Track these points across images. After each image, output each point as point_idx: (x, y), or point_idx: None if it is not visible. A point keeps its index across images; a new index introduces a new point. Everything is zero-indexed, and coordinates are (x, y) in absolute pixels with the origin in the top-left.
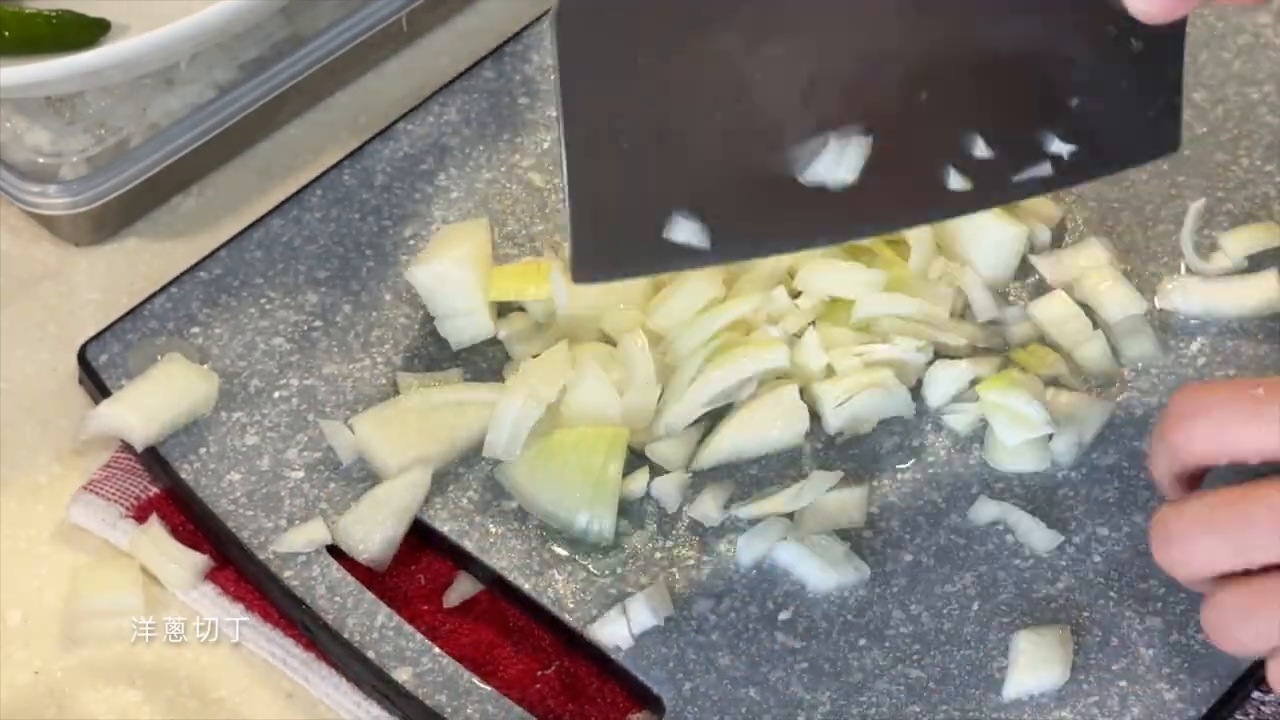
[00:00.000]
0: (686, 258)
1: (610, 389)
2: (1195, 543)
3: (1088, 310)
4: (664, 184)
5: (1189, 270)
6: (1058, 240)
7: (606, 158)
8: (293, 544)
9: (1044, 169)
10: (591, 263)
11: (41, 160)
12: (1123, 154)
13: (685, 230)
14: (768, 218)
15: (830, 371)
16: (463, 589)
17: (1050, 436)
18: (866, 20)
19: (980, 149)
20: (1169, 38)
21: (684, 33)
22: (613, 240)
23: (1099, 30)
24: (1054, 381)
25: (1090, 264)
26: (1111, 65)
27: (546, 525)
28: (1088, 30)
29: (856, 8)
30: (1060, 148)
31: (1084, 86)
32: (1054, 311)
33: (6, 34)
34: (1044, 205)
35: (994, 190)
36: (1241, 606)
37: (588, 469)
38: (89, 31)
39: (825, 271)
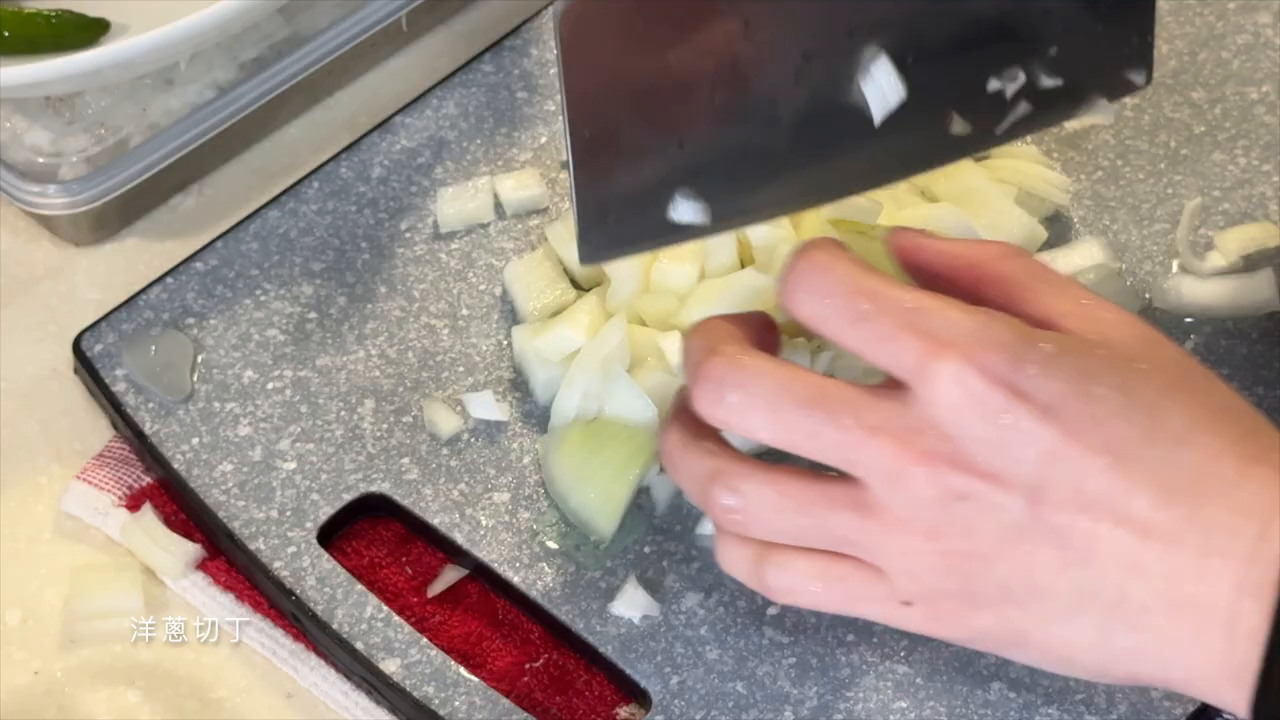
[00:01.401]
0: (688, 233)
1: (645, 398)
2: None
3: None
4: (664, 167)
5: (1184, 269)
6: (1053, 238)
7: (608, 147)
8: None
9: (1024, 108)
10: (597, 246)
11: (41, 160)
12: (1097, 91)
13: (686, 210)
14: (763, 188)
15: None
16: (446, 579)
17: None
18: None
19: (966, 107)
20: None
21: (682, 21)
22: (617, 222)
23: None
24: None
25: (1085, 262)
26: (1085, 10)
27: (537, 518)
28: None
29: None
30: (1044, 83)
31: (1060, 31)
32: None
33: (6, 34)
34: (1042, 200)
35: (983, 136)
36: (762, 494)
37: (616, 474)
38: (89, 31)
39: None
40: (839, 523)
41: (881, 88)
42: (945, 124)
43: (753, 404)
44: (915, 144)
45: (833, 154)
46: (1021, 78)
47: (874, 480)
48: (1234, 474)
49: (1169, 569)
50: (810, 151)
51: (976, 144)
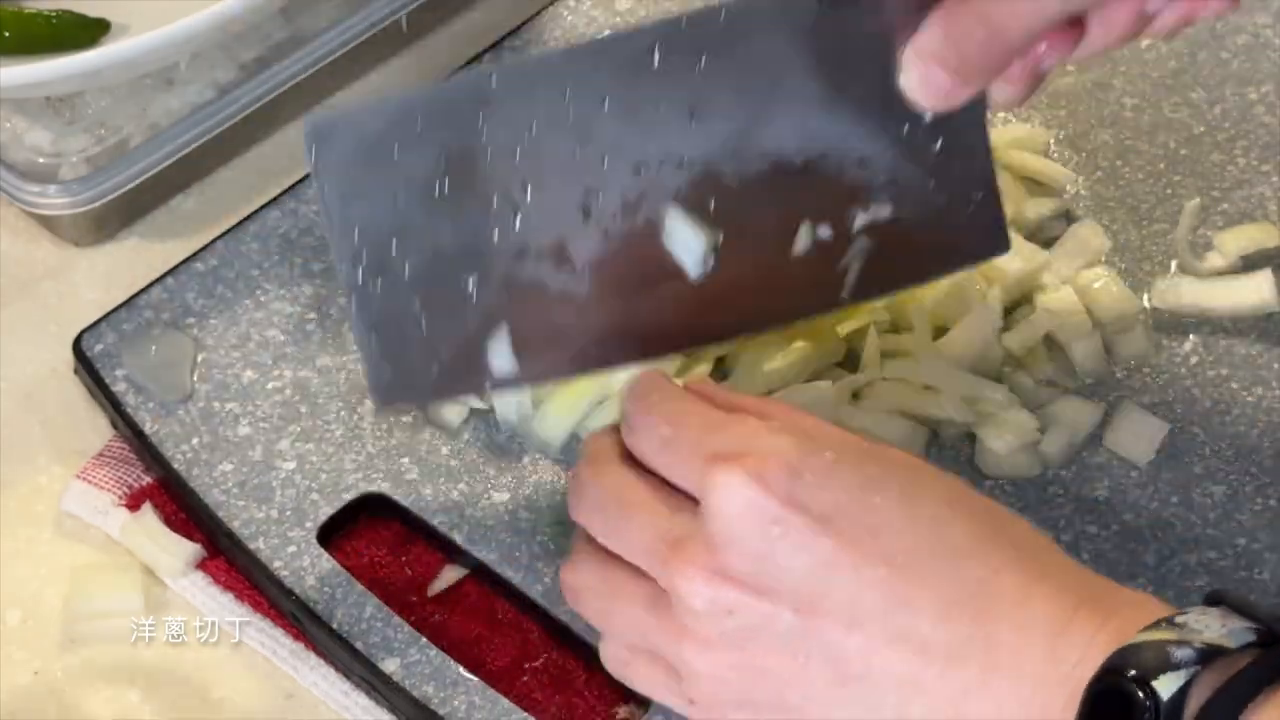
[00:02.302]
0: (497, 383)
1: None
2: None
3: None
4: (456, 311)
5: (1183, 269)
6: (1053, 238)
7: (385, 286)
8: None
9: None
10: (391, 392)
11: (41, 160)
12: (943, 258)
13: (491, 358)
14: (570, 339)
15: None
16: (446, 579)
17: (1040, 438)
18: (639, 131)
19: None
20: (967, 136)
21: (442, 146)
22: (411, 369)
23: (894, 131)
24: (1047, 381)
25: (1084, 261)
26: (911, 165)
27: (537, 518)
28: (883, 131)
29: (629, 123)
30: (864, 243)
31: (885, 187)
32: (1057, 305)
33: (6, 34)
34: (1047, 195)
35: (820, 297)
36: (591, 578)
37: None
38: (89, 31)
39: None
40: (637, 618)
41: (682, 239)
42: (780, 275)
43: (593, 505)
44: (742, 297)
45: (647, 303)
46: (860, 218)
47: (667, 585)
48: (1018, 591)
49: (950, 688)
50: (619, 300)
51: (825, 297)
